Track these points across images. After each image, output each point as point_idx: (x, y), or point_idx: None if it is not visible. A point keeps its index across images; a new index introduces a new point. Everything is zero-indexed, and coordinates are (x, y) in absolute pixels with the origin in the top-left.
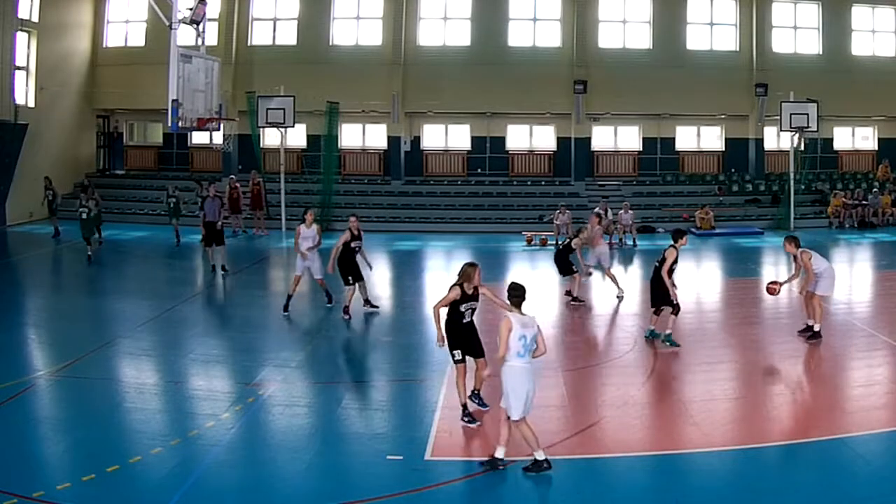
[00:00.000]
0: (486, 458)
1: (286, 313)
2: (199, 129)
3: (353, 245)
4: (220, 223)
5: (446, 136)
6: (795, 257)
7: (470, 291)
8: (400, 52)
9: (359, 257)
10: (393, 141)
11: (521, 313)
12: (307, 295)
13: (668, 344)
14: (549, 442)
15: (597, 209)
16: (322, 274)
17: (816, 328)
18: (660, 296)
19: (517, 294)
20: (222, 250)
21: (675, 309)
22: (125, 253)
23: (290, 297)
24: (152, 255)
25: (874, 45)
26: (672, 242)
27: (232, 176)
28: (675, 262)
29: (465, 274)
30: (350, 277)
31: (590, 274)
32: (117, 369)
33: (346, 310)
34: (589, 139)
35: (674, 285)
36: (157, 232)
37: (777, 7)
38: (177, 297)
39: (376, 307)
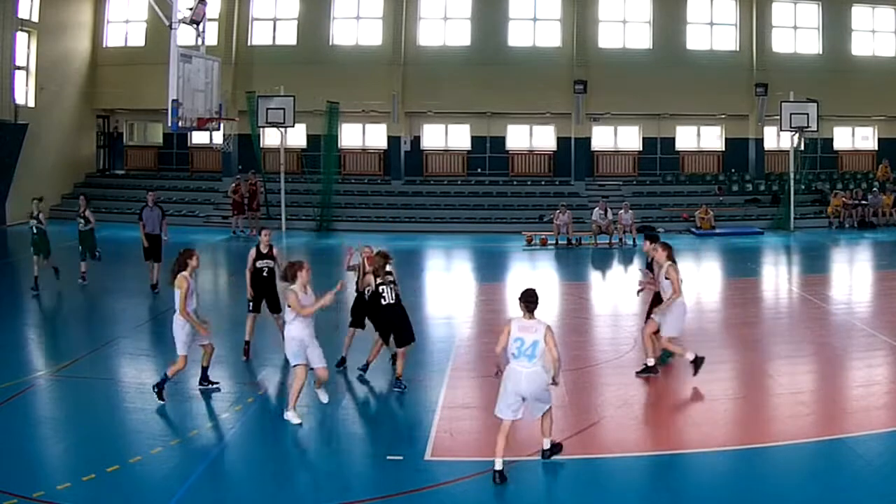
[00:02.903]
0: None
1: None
2: (199, 128)
3: (258, 265)
4: (164, 236)
5: (446, 136)
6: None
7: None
8: (400, 52)
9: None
10: (393, 141)
11: (529, 318)
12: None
13: None
14: None
15: None
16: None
17: (651, 362)
18: None
19: (523, 299)
20: (159, 267)
21: None
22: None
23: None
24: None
25: (874, 45)
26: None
27: (238, 176)
28: None
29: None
30: (251, 304)
31: None
32: (117, 369)
33: (245, 348)
34: (589, 139)
35: None
36: None
37: (777, 7)
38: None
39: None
